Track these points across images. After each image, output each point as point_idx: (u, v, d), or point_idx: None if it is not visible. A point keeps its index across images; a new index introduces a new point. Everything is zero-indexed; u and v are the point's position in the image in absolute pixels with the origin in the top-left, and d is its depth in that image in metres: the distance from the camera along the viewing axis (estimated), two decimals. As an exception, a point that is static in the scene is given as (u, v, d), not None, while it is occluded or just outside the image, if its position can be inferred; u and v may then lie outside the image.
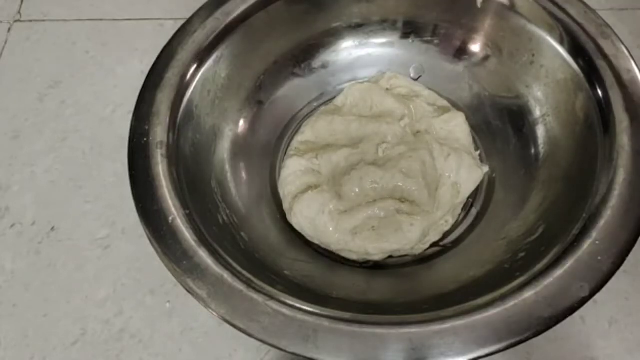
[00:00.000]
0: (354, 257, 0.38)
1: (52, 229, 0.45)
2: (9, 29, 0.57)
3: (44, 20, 0.57)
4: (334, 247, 0.38)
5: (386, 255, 0.38)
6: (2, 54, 0.55)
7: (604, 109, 0.34)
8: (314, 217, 0.37)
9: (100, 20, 0.57)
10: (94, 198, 0.46)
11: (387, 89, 0.44)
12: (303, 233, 0.39)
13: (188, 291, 0.29)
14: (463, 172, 0.40)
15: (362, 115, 0.43)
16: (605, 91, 0.34)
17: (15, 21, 0.57)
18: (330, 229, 0.37)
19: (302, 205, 0.38)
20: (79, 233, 0.45)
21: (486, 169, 0.42)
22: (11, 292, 0.43)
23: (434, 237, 0.39)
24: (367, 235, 0.37)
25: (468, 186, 0.40)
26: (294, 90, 0.44)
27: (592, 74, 0.35)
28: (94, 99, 0.52)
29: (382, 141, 0.41)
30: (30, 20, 0.57)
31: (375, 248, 0.37)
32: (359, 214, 0.37)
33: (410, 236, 0.37)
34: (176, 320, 0.41)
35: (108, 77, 0.53)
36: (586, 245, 0.29)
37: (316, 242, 0.39)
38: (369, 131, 0.41)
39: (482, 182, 0.41)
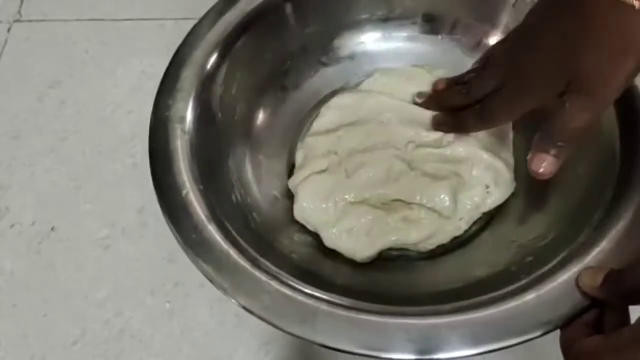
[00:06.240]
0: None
1: (52, 229, 0.45)
2: (9, 29, 0.57)
3: (44, 20, 0.57)
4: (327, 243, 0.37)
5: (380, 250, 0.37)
6: (2, 54, 0.55)
7: (628, 119, 0.33)
8: (313, 218, 0.37)
9: (100, 20, 0.57)
10: (94, 198, 0.46)
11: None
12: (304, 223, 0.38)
13: (193, 263, 0.29)
14: (499, 186, 0.37)
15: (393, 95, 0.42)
16: (632, 101, 0.33)
17: (15, 21, 0.57)
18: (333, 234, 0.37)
19: (303, 200, 0.37)
20: (79, 233, 0.45)
21: (514, 184, 0.38)
22: (11, 292, 0.43)
23: (442, 240, 0.38)
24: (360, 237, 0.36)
25: (494, 201, 0.38)
26: (319, 78, 0.45)
27: None
28: (94, 99, 0.52)
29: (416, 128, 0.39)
30: (30, 20, 0.57)
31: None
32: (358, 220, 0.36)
33: (414, 235, 0.36)
34: (176, 320, 0.41)
35: (108, 77, 0.53)
36: (594, 252, 0.28)
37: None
38: (402, 115, 0.40)
39: None
